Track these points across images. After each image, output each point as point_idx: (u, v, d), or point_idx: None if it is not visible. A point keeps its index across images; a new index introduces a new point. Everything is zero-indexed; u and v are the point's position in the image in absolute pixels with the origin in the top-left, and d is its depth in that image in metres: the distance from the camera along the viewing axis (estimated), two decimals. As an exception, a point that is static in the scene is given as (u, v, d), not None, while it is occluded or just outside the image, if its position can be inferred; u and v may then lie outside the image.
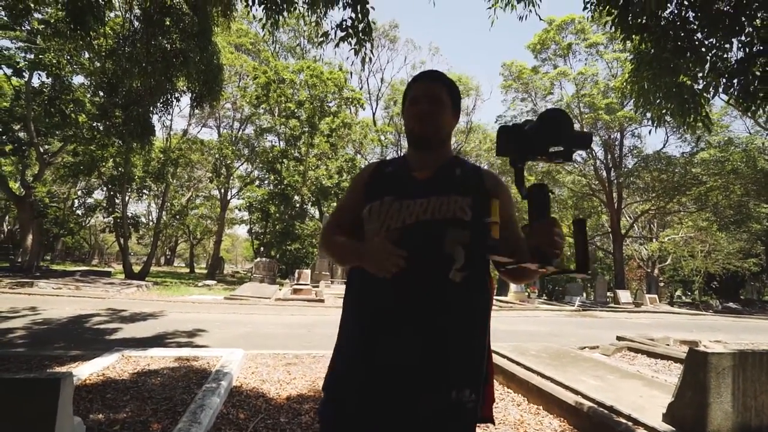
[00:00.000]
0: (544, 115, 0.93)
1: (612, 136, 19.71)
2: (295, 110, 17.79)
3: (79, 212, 20.15)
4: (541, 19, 3.35)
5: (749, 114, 2.44)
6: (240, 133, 22.97)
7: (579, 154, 21.68)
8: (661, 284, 21.28)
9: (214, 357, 4.03)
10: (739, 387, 2.37)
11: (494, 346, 4.63)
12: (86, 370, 3.37)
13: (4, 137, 13.59)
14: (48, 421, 1.50)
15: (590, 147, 1.04)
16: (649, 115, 2.72)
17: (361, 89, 22.12)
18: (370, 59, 2.61)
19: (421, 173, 1.10)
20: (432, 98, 1.10)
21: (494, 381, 1.06)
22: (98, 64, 6.11)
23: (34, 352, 4.14)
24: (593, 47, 18.73)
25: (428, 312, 0.97)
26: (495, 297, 14.45)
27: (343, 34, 2.52)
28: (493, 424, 1.06)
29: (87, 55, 9.24)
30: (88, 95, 11.00)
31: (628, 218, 22.44)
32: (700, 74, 2.39)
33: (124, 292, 10.67)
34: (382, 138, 23.44)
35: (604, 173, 20.05)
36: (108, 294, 10.04)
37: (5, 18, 9.54)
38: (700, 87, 2.47)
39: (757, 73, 2.19)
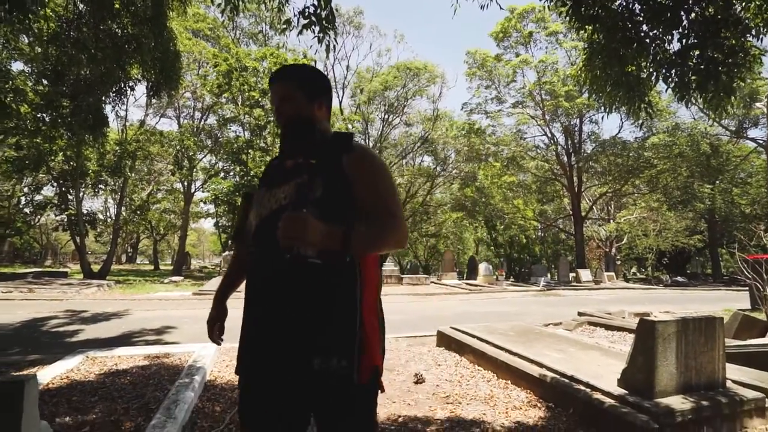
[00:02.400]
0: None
1: (572, 122, 20.52)
2: (260, 99, 17.26)
3: (27, 210, 18.77)
4: (501, 8, 3.43)
5: (684, 103, 2.66)
6: (202, 123, 22.04)
7: (542, 140, 22.50)
8: (618, 262, 22.66)
9: (186, 353, 3.96)
10: (682, 350, 2.62)
11: (463, 327, 4.83)
12: (48, 374, 3.23)
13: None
14: (13, 427, 1.45)
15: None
16: (602, 101, 2.90)
17: (328, 50, 21.75)
18: (334, 47, 2.59)
19: (291, 161, 1.18)
20: (278, 95, 1.19)
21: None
22: (39, 50, 5.66)
23: (-14, 360, 3.91)
24: (553, 36, 19.29)
25: (281, 289, 1.06)
26: (466, 281, 14.79)
27: (305, 21, 2.48)
28: (382, 391, 1.13)
29: (26, 40, 8.55)
30: (30, 83, 10.19)
31: (588, 201, 23.60)
32: (644, 63, 2.57)
33: (83, 292, 10.13)
34: (350, 126, 23.23)
35: (565, 158, 20.91)
36: (65, 295, 9.50)
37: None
38: (644, 76, 2.65)
39: (691, 64, 2.38)
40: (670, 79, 2.54)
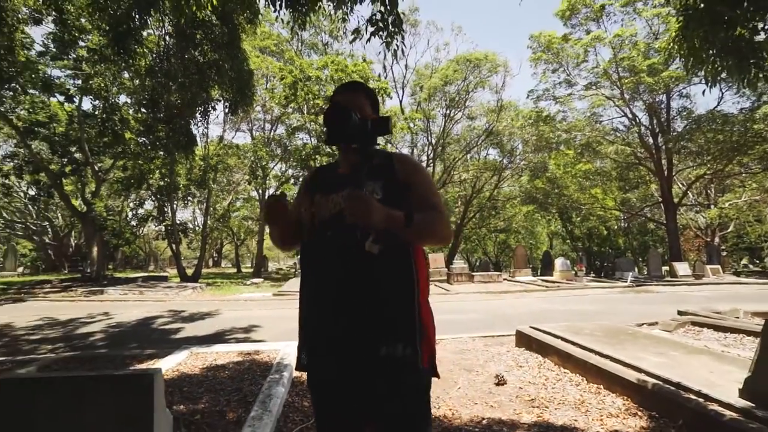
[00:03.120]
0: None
1: (657, 99, 18.32)
2: (324, 106, 17.99)
3: (133, 223, 21.61)
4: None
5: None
6: (272, 134, 23.56)
7: (621, 122, 20.43)
8: (724, 253, 19.75)
9: (273, 350, 4.25)
10: (826, 357, 2.21)
11: (545, 327, 4.56)
12: (162, 366, 3.68)
13: (64, 160, 14.79)
14: (147, 409, 1.67)
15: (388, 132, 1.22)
16: (702, 74, 2.51)
17: (385, 78, 21.98)
18: (403, 51, 2.60)
19: (344, 169, 1.28)
20: (354, 106, 1.22)
21: (432, 343, 1.22)
22: (138, 82, 6.46)
23: (115, 352, 4.56)
24: (629, 5, 17.39)
25: (348, 281, 1.13)
26: (540, 277, 14.09)
27: (373, 29, 2.53)
28: (437, 377, 1.20)
29: (127, 75, 9.83)
30: (131, 112, 11.73)
31: (681, 185, 20.94)
32: (761, 25, 2.16)
33: (181, 294, 11.40)
34: (412, 125, 23.21)
35: (651, 140, 18.74)
36: (168, 297, 10.77)
37: (54, 49, 10.31)
38: (761, 39, 2.23)
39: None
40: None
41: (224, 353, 4.18)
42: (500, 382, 3.44)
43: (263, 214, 1.32)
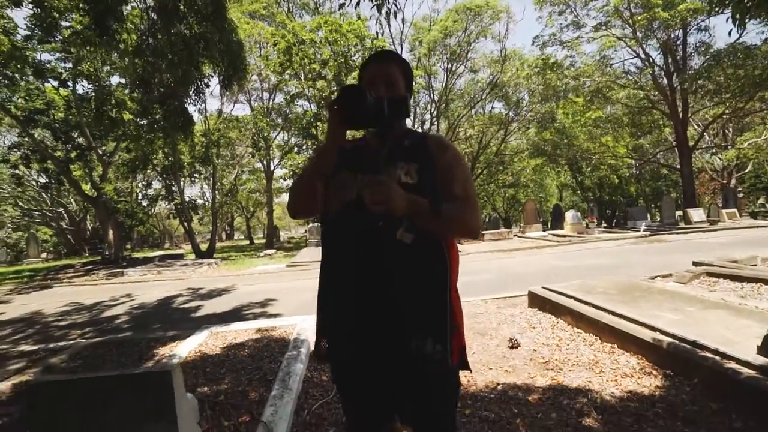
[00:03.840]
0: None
1: (673, 36, 17.18)
2: (321, 71, 17.35)
3: (144, 203, 21.86)
4: None
5: None
6: (271, 103, 23.02)
7: (633, 63, 19.34)
8: (741, 195, 19.28)
9: (290, 325, 4.36)
10: None
11: (557, 287, 4.56)
12: (185, 349, 3.81)
13: (68, 146, 14.76)
14: (169, 404, 1.72)
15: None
16: (728, 11, 2.25)
17: (382, 35, 20.99)
18: (395, 14, 2.38)
19: (374, 145, 1.20)
20: (386, 80, 1.14)
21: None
22: (128, 61, 6.24)
23: (139, 336, 4.73)
24: (644, -69, 15.91)
25: (379, 271, 1.07)
26: (552, 232, 14.00)
27: (362, -9, 2.32)
28: (469, 370, 1.18)
29: (117, 54, 9.51)
30: (127, 92, 11.48)
31: (696, 127, 20.12)
32: None
33: (198, 271, 11.70)
34: (413, 83, 22.37)
35: (665, 81, 17.79)
36: (185, 275, 11.06)
37: (40, 33, 9.95)
38: None
39: None
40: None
41: (243, 331, 4.30)
42: (514, 345, 3.49)
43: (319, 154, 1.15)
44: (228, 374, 3.17)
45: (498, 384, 2.83)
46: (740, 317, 3.04)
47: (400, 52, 21.54)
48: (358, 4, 2.40)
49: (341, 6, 2.48)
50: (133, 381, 1.73)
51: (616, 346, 3.20)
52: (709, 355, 2.49)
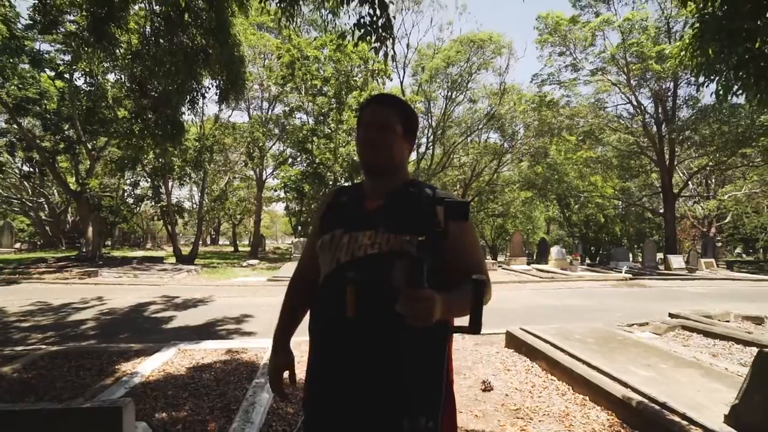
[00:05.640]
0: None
1: (664, 87, 17.93)
2: (322, 87, 17.56)
3: (129, 201, 21.48)
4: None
5: None
6: (270, 113, 23.13)
7: (626, 109, 20.04)
8: (719, 244, 19.78)
9: (261, 348, 4.23)
10: (816, 389, 2.17)
11: (535, 329, 4.55)
12: (149, 367, 3.66)
13: (57, 137, 14.51)
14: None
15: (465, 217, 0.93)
16: (713, 86, 2.36)
17: (386, 59, 21.39)
18: (393, 57, 2.42)
19: (373, 202, 1.10)
20: (381, 124, 1.08)
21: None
22: (126, 62, 6.21)
23: (103, 346, 4.54)
24: (641, -13, 16.80)
25: (375, 345, 0.99)
26: (536, 266, 14.00)
27: (361, 33, 2.35)
28: None
29: (117, 53, 9.47)
30: (124, 90, 11.41)
31: (681, 175, 20.77)
32: None
33: (176, 277, 11.41)
34: (416, 128, 22.71)
35: (654, 128, 18.46)
36: (162, 281, 10.77)
37: (41, 23, 9.89)
38: None
39: None
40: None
41: (212, 351, 4.17)
42: (487, 388, 3.44)
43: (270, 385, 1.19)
44: (190, 399, 3.04)
45: (467, 431, 2.77)
46: (711, 379, 3.05)
47: (402, 77, 21.75)
48: (356, 44, 2.44)
49: (339, 42, 2.52)
50: (80, 415, 1.64)
51: (587, 398, 3.18)
52: (677, 419, 2.48)
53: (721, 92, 2.15)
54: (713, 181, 22.12)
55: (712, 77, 2.25)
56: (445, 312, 0.88)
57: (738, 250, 28.82)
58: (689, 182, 20.25)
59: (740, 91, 2.16)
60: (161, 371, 3.60)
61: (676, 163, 18.74)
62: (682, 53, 2.36)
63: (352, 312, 0.99)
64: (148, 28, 5.45)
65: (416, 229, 0.98)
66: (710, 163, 18.23)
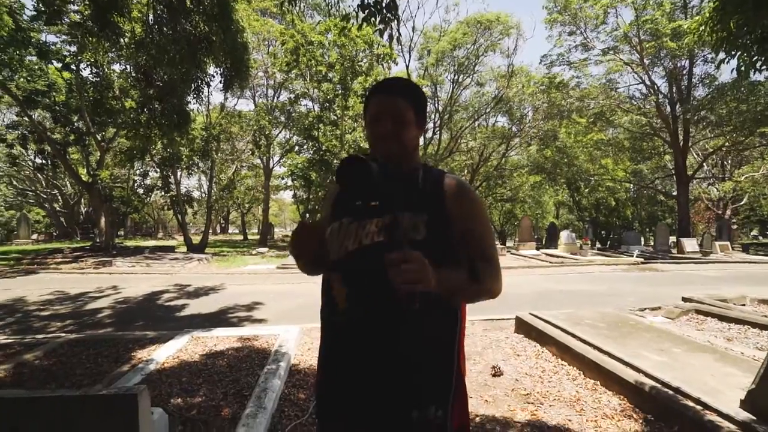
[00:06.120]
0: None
1: (679, 65, 17.34)
2: (327, 73, 17.35)
3: (140, 191, 21.73)
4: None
5: None
6: (275, 101, 22.99)
7: (638, 89, 19.50)
8: (734, 227, 19.38)
9: (272, 335, 4.29)
10: (836, 374, 2.12)
11: (545, 314, 4.53)
12: (163, 354, 3.73)
13: (67, 129, 14.64)
14: (133, 428, 1.66)
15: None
16: (734, 62, 2.25)
17: (391, 41, 20.99)
18: (399, 39, 2.35)
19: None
20: (393, 116, 1.04)
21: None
22: (132, 51, 6.18)
23: (119, 334, 4.65)
24: (657, -40, 16.11)
25: (381, 334, 0.98)
26: (545, 251, 13.92)
27: (365, 14, 2.28)
28: None
29: (122, 42, 9.43)
30: (129, 80, 11.42)
31: (696, 157, 20.26)
32: None
33: (187, 266, 11.58)
34: (426, 114, 22.42)
35: (668, 109, 17.94)
36: (174, 269, 10.95)
37: (46, 14, 9.87)
38: None
39: None
40: None
41: (225, 338, 4.23)
42: (496, 373, 3.44)
43: (289, 243, 1.05)
44: (204, 385, 3.10)
45: (476, 415, 2.79)
46: (726, 364, 3.01)
47: (408, 60, 21.31)
48: (360, 27, 2.37)
49: (344, 24, 2.46)
50: (97, 402, 1.67)
51: (599, 383, 3.16)
52: (691, 403, 2.46)
53: (743, 68, 2.06)
54: (729, 162, 21.56)
55: (733, 52, 2.14)
56: (443, 281, 0.88)
57: (754, 232, 28.21)
58: (704, 164, 19.76)
59: (765, 66, 2.06)
60: (175, 358, 3.67)
61: (690, 144, 18.27)
62: (701, 28, 2.25)
63: (342, 303, 1.01)
64: (150, 16, 5.40)
65: (422, 209, 0.99)
66: (726, 144, 17.73)
